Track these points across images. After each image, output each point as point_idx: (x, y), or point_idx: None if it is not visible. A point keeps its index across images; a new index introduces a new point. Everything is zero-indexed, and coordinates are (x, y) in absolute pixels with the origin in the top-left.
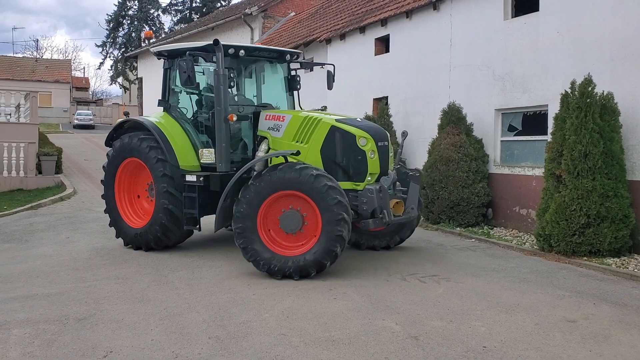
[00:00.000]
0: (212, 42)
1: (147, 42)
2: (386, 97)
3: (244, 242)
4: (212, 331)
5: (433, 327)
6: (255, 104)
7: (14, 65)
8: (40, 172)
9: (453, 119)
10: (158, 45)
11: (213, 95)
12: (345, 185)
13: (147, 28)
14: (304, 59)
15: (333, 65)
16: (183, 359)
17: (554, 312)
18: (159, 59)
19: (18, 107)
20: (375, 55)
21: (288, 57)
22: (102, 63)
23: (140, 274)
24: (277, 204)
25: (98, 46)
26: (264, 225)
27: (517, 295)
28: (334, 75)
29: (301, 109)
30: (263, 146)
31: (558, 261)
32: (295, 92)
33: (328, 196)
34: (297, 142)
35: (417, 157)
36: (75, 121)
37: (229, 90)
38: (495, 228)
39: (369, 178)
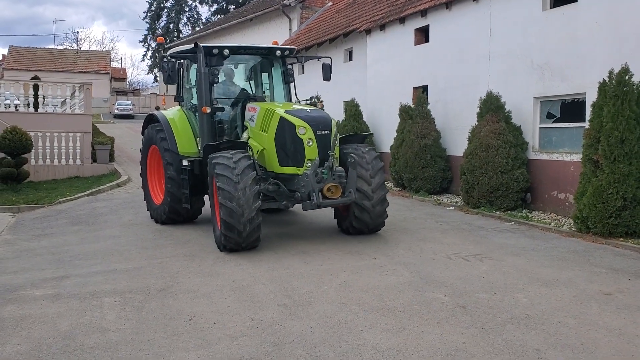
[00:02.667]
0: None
1: (159, 47)
2: (425, 86)
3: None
4: (279, 300)
5: (479, 298)
6: (246, 97)
7: (56, 57)
8: (94, 161)
9: (492, 107)
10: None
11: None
12: (291, 170)
13: (185, 20)
14: (300, 53)
15: (330, 58)
16: (258, 322)
17: (591, 286)
18: (171, 60)
19: (73, 95)
20: (415, 45)
21: (279, 52)
22: (145, 55)
23: (205, 252)
24: None
25: (140, 42)
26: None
27: (555, 271)
28: (330, 67)
29: (297, 99)
30: (244, 135)
31: (595, 242)
32: (290, 85)
33: (213, 170)
34: (262, 131)
35: (457, 144)
36: (116, 111)
37: (216, 85)
38: (533, 212)
39: (309, 164)
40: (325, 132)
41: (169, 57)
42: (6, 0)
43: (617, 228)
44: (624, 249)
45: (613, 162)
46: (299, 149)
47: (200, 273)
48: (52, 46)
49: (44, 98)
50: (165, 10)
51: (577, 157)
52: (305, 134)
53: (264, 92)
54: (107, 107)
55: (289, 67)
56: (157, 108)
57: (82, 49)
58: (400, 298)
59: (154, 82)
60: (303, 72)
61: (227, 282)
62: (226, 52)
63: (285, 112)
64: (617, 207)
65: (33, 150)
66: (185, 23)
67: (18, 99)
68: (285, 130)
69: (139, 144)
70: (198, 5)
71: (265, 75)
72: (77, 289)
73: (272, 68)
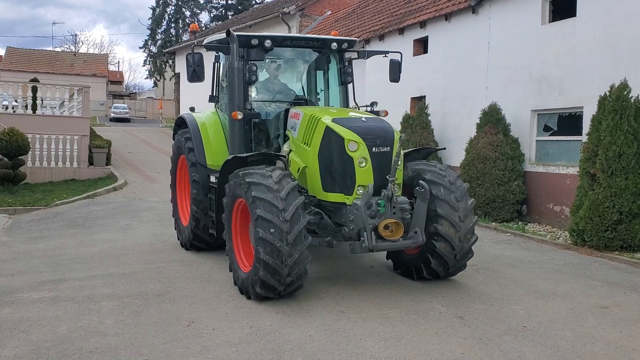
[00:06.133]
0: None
1: (193, 35)
2: (424, 97)
3: (230, 263)
4: (277, 307)
5: (476, 309)
6: (289, 100)
7: (54, 59)
8: (91, 164)
9: (492, 119)
10: (204, 38)
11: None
12: (336, 197)
13: (185, 26)
14: (363, 47)
15: (400, 53)
16: (257, 329)
17: (587, 299)
18: (207, 50)
19: (71, 98)
20: (413, 56)
21: (335, 45)
22: (145, 61)
23: (202, 258)
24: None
25: (141, 48)
26: (243, 240)
27: (552, 284)
28: (400, 64)
29: (356, 104)
30: (285, 147)
31: (591, 255)
32: (348, 86)
33: (249, 194)
34: (304, 144)
35: (454, 154)
36: (112, 114)
37: (254, 84)
38: (529, 224)
39: (360, 190)
40: (384, 149)
41: (193, 50)
42: (8, 2)
43: (612, 241)
44: (619, 263)
45: (610, 175)
46: (348, 170)
47: (198, 279)
48: (50, 48)
49: (42, 100)
50: (167, 15)
51: (573, 170)
52: (357, 150)
53: (318, 95)
54: (103, 111)
55: (347, 63)
56: (192, 109)
57: (80, 51)
58: (398, 307)
59: (153, 87)
60: None
61: (225, 288)
62: (268, 43)
63: (333, 120)
64: (613, 221)
65: (30, 152)
66: (186, 29)
67: (16, 101)
68: (331, 145)
69: (135, 147)
70: (199, 11)
71: (320, 74)
72: (75, 293)
73: (329, 65)
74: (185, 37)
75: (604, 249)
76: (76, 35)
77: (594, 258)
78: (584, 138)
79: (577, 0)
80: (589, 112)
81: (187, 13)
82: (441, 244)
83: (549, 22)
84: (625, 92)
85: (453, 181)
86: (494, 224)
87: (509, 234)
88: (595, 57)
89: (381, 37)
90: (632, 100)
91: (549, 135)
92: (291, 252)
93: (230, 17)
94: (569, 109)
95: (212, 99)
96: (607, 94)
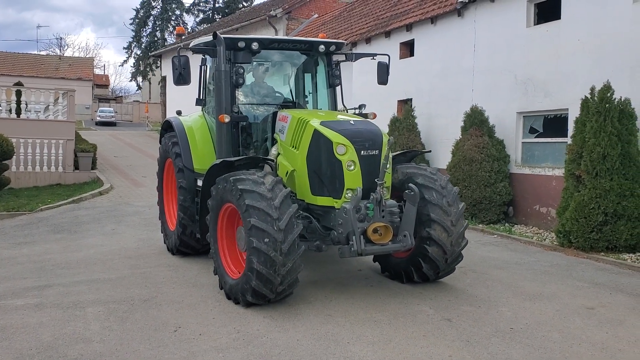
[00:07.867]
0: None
1: (179, 38)
2: (410, 99)
3: (215, 267)
4: (265, 312)
5: (464, 311)
6: (277, 103)
7: (38, 63)
8: (77, 168)
9: (476, 121)
10: (189, 41)
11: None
12: (325, 201)
13: (171, 28)
14: (350, 50)
15: (388, 55)
16: (244, 334)
17: (574, 301)
18: (194, 53)
19: (56, 102)
20: (400, 59)
21: (322, 48)
22: (125, 61)
23: (189, 262)
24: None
25: (125, 49)
26: (229, 244)
27: (539, 285)
28: (388, 67)
29: (344, 107)
30: (273, 150)
31: (577, 256)
32: (336, 88)
33: (242, 202)
34: (292, 147)
35: (440, 157)
36: (98, 118)
37: (241, 87)
38: (516, 225)
39: (348, 194)
40: (373, 152)
41: (179, 52)
42: None
43: (598, 242)
44: (605, 264)
45: (595, 177)
46: (337, 173)
47: (185, 284)
48: (35, 52)
49: (26, 104)
50: (152, 17)
51: (559, 172)
52: (346, 153)
53: (306, 98)
54: (89, 114)
55: (335, 66)
56: (179, 113)
57: (65, 55)
58: (386, 310)
59: (137, 90)
60: None
61: (212, 293)
62: (255, 45)
63: (321, 123)
64: (599, 222)
65: (14, 157)
66: (171, 32)
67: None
68: (319, 148)
69: (121, 151)
70: (184, 14)
71: (308, 77)
72: (59, 299)
73: (317, 67)
74: (171, 39)
75: (589, 250)
76: (61, 38)
77: (580, 259)
78: (569, 140)
79: (562, 3)
80: (574, 114)
81: (172, 15)
82: (433, 249)
83: (534, 24)
84: (609, 94)
85: (444, 185)
86: (480, 225)
87: (495, 236)
88: (580, 60)
89: (368, 40)
90: (616, 102)
91: (535, 137)
92: (285, 262)
93: (217, 19)
94: (554, 111)
95: (198, 102)
96: (590, 96)
